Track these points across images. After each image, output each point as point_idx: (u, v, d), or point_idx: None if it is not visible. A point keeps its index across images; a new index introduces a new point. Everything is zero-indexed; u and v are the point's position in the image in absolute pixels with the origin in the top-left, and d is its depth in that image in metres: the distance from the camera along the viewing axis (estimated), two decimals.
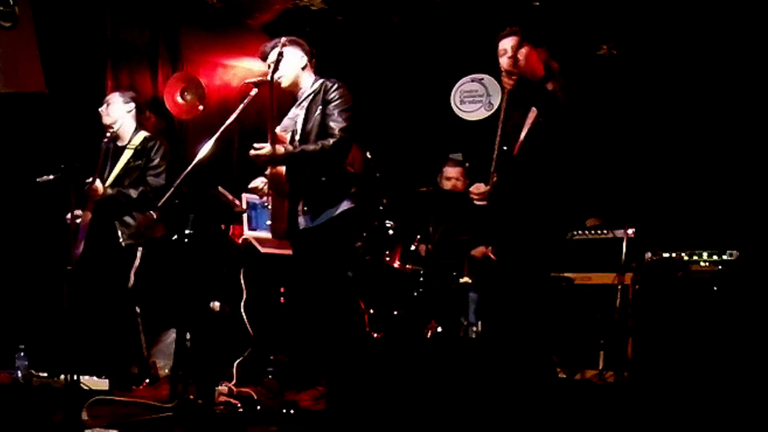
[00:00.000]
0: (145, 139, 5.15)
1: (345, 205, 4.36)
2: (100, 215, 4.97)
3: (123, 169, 5.08)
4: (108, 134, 5.06)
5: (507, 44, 4.06)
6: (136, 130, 5.18)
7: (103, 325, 4.92)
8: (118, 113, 5.13)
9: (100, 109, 5.14)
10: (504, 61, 4.03)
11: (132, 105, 5.17)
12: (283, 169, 4.35)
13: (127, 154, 5.10)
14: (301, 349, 4.52)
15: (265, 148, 4.20)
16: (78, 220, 4.89)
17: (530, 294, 4.03)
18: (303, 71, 4.46)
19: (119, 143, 5.15)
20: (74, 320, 4.23)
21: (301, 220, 4.38)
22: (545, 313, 4.06)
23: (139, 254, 5.01)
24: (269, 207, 4.42)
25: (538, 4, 5.86)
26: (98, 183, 4.93)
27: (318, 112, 4.33)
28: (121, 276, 4.97)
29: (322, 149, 4.24)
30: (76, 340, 4.20)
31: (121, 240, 4.99)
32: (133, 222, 5.02)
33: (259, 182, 4.50)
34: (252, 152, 4.22)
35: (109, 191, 4.98)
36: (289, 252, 4.67)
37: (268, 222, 4.45)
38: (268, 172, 4.34)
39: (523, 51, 4.01)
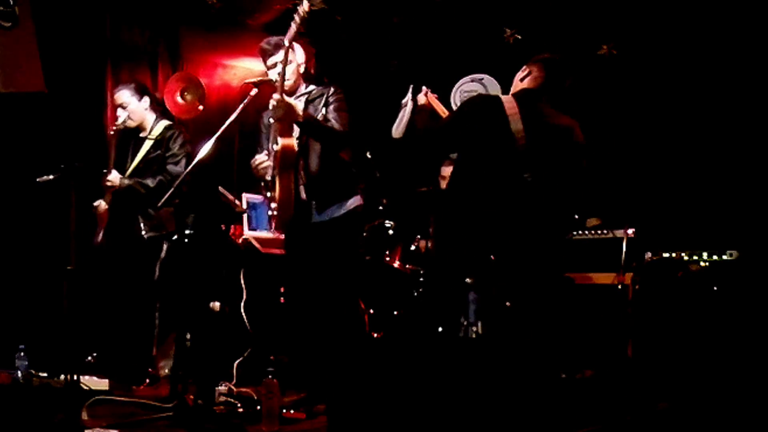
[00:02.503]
0: (165, 128, 5.12)
1: (352, 204, 4.39)
2: (118, 206, 4.97)
3: (143, 160, 5.06)
4: (115, 126, 5.07)
5: None
6: (157, 119, 5.17)
7: (116, 320, 4.93)
8: (140, 112, 5.12)
9: (119, 114, 5.08)
10: None
11: (147, 99, 5.17)
12: (294, 143, 4.27)
13: (147, 145, 5.08)
14: (301, 348, 4.52)
15: (284, 103, 4.17)
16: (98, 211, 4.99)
17: (536, 295, 4.07)
18: (301, 74, 4.48)
19: (141, 134, 5.13)
20: (75, 319, 4.22)
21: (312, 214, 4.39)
22: (550, 314, 4.09)
23: (165, 246, 5.00)
24: (273, 194, 4.33)
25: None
26: (114, 174, 4.93)
27: (321, 112, 4.34)
28: (143, 269, 4.97)
29: (332, 130, 4.28)
30: (79, 339, 4.21)
31: (143, 232, 4.99)
32: (155, 214, 5.00)
33: (264, 157, 4.42)
34: (275, 99, 4.16)
35: (126, 181, 4.97)
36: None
37: (273, 210, 4.31)
38: (278, 146, 4.23)
39: None
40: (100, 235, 4.99)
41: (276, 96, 4.18)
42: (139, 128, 5.13)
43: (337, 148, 4.36)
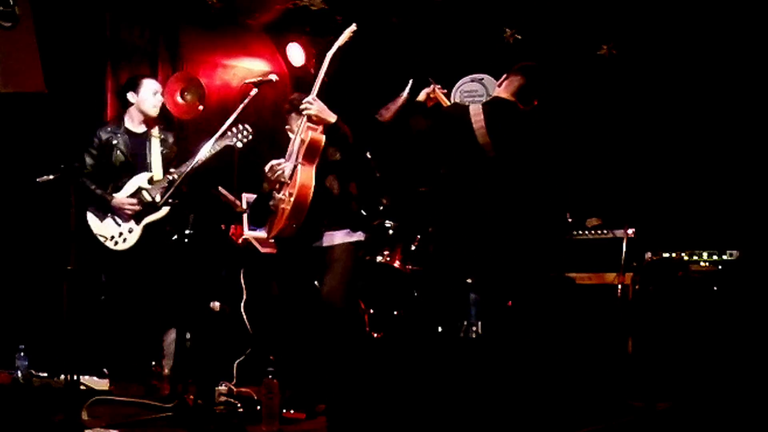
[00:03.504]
0: (161, 129, 5.11)
1: (359, 235, 4.36)
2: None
3: (157, 158, 5.06)
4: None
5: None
6: None
7: (117, 320, 4.93)
8: None
9: (157, 101, 5.07)
10: None
11: None
12: (323, 139, 4.22)
13: (155, 144, 5.06)
14: (299, 349, 4.51)
15: (317, 103, 4.18)
16: (159, 215, 4.88)
17: (529, 294, 4.08)
18: None
19: (135, 130, 5.08)
20: (76, 319, 4.22)
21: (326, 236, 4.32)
22: (539, 312, 4.11)
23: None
24: (286, 191, 4.25)
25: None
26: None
27: None
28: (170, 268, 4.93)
29: (353, 145, 4.30)
30: (79, 339, 4.20)
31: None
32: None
33: (280, 160, 4.35)
34: (306, 105, 4.16)
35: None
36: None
37: (283, 206, 4.22)
38: (307, 138, 4.19)
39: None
40: (138, 230, 4.92)
41: (311, 97, 4.18)
42: (123, 122, 5.09)
43: (352, 160, 4.36)
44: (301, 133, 4.24)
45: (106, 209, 4.89)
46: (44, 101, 5.43)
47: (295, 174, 4.18)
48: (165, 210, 4.90)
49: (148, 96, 5.03)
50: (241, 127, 4.69)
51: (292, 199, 4.14)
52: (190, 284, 4.46)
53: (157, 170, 4.98)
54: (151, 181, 4.93)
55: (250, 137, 4.69)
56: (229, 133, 4.68)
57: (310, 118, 4.19)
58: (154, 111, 5.04)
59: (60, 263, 4.04)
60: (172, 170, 4.88)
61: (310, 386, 4.24)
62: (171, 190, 4.19)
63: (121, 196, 4.88)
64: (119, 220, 4.88)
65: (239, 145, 4.66)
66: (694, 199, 5.90)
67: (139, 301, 4.95)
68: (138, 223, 4.89)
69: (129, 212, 4.86)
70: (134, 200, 4.87)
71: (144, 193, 4.90)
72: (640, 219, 5.45)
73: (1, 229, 5.33)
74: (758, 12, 5.60)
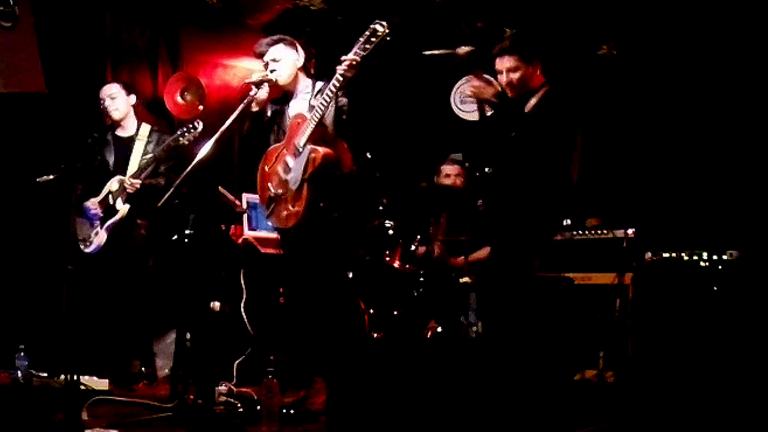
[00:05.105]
0: (152, 131, 5.18)
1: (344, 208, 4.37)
2: (137, 206, 5.03)
3: (140, 161, 5.10)
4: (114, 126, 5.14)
5: (503, 65, 4.35)
6: (139, 122, 5.21)
7: (116, 320, 4.97)
8: (126, 106, 5.17)
9: (106, 105, 5.12)
10: (502, 80, 4.35)
11: (134, 97, 5.24)
12: (331, 152, 4.21)
13: (139, 146, 5.11)
14: (301, 348, 4.51)
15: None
16: (118, 216, 4.98)
17: (522, 292, 4.09)
18: (299, 71, 4.46)
19: (123, 134, 5.16)
20: (76, 319, 4.23)
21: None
22: (539, 312, 4.11)
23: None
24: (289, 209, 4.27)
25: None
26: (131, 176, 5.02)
27: (332, 116, 4.33)
28: (144, 269, 5.07)
29: None
30: (79, 339, 4.21)
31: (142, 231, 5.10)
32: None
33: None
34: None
35: (143, 181, 5.01)
36: None
37: (286, 211, 4.28)
38: (317, 153, 4.13)
39: (518, 73, 4.31)
40: (102, 235, 4.99)
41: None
42: (114, 126, 5.14)
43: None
44: (307, 132, 4.20)
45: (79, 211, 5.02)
46: (44, 101, 5.44)
47: (303, 192, 4.16)
48: (123, 211, 4.99)
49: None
50: (189, 125, 4.78)
51: (298, 213, 4.18)
52: (190, 284, 4.47)
53: (130, 173, 5.06)
54: (120, 184, 4.98)
55: (196, 133, 4.78)
56: (178, 131, 4.84)
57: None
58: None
59: (60, 263, 4.04)
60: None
61: (309, 383, 4.25)
62: (171, 191, 4.20)
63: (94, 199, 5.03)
64: (90, 223, 5.04)
65: (185, 142, 4.75)
66: (694, 199, 5.89)
67: (113, 304, 5.01)
68: (101, 226, 5.00)
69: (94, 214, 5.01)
70: (96, 203, 5.01)
71: (109, 196, 5.02)
72: (640, 219, 5.45)
73: (1, 229, 5.34)
74: (758, 12, 5.59)
